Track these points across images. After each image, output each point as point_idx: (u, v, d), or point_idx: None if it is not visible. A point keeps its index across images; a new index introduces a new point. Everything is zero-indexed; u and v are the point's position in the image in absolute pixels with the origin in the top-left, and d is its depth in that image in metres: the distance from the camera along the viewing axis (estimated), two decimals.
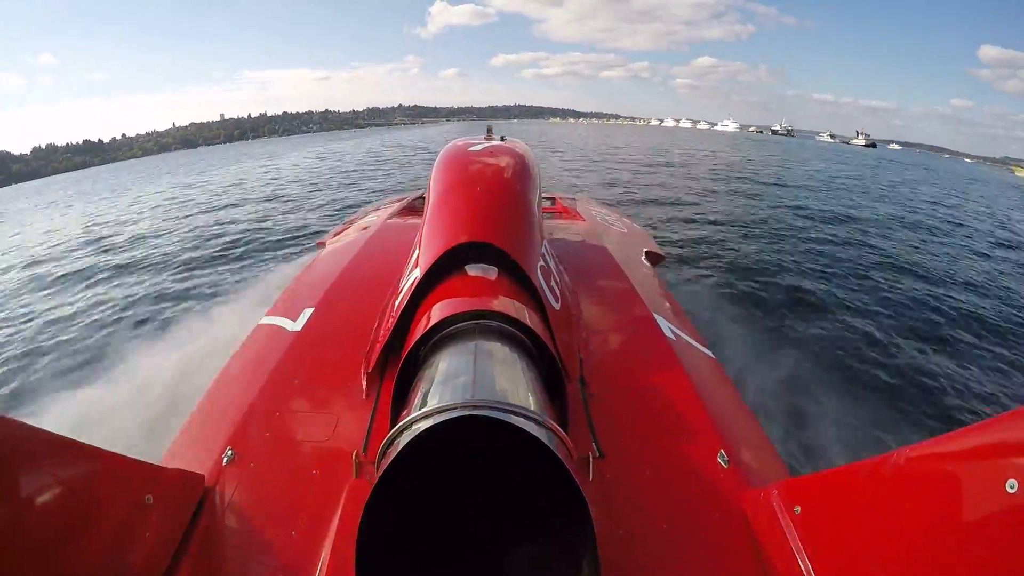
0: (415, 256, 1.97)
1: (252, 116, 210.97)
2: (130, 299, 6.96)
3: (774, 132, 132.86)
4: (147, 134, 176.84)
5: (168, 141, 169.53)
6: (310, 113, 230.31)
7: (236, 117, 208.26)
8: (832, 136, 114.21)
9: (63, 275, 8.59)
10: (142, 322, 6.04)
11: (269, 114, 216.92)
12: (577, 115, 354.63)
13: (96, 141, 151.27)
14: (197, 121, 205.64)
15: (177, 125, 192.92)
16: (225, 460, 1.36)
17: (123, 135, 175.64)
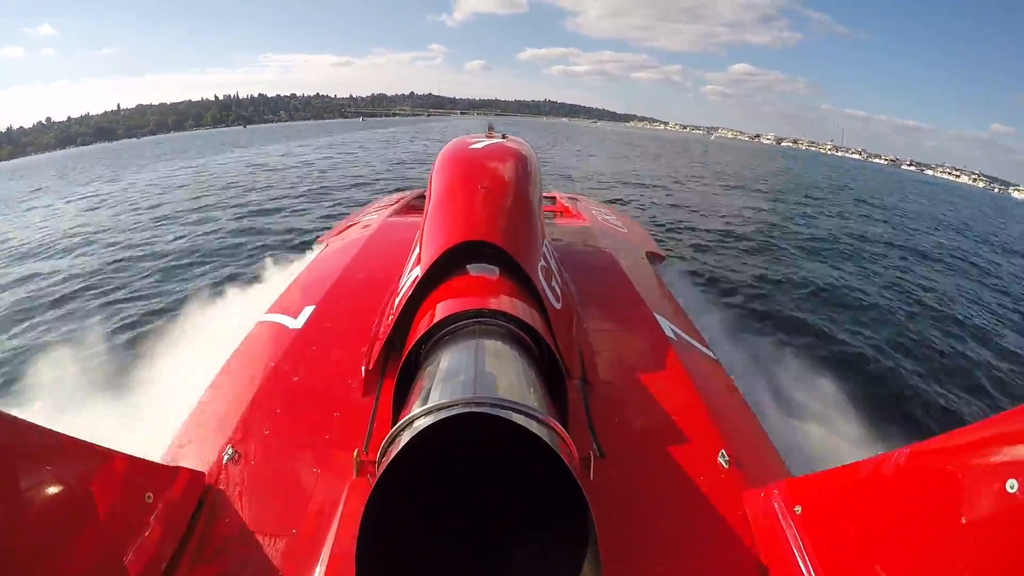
0: (416, 254, 1.98)
1: (219, 98, 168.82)
2: None
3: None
4: (60, 122, 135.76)
5: (77, 131, 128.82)
6: (293, 96, 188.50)
7: (237, 98, 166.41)
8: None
9: None
10: None
11: (242, 96, 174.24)
12: (613, 117, 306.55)
13: None
14: (176, 102, 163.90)
15: (123, 107, 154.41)
16: (226, 458, 1.35)
17: (47, 119, 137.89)
